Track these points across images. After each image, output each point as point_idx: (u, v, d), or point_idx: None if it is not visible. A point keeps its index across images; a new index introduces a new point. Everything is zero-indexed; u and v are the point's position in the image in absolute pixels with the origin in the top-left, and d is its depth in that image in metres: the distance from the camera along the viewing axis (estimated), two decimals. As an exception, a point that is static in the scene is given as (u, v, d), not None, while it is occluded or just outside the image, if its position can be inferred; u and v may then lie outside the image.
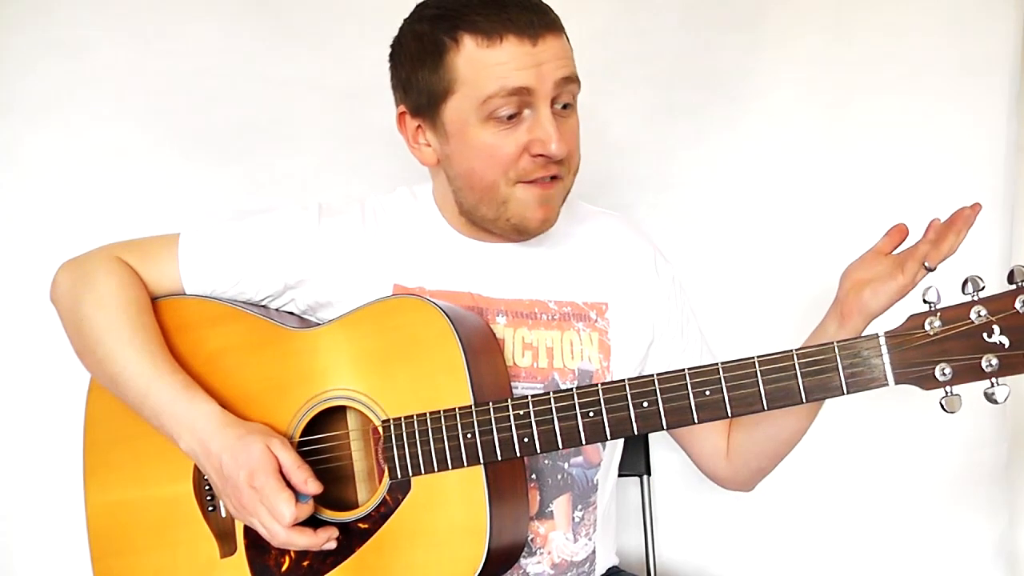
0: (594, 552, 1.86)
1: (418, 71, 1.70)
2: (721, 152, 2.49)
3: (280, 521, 1.58)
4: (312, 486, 1.60)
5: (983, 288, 1.34)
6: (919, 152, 2.44)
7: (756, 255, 2.47)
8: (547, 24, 1.64)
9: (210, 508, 1.76)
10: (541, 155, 1.65)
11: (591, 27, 2.27)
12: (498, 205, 1.72)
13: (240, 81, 2.45)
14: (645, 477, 2.25)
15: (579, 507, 1.82)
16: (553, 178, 1.70)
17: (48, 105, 2.42)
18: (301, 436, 1.72)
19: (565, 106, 1.69)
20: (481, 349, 1.67)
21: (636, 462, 1.94)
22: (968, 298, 1.35)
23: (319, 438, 1.74)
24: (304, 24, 2.46)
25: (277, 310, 1.88)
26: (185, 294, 1.84)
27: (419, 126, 1.76)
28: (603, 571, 1.91)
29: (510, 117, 1.65)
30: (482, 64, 1.63)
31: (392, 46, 1.77)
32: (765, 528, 2.44)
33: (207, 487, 1.75)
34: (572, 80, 1.67)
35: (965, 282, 1.35)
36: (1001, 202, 2.42)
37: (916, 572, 2.44)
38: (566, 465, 1.80)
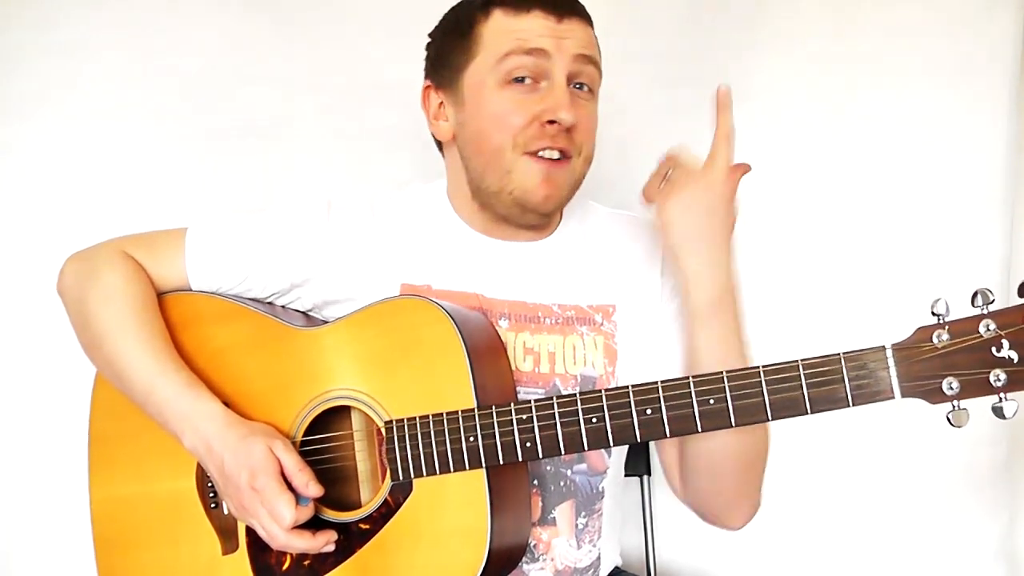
0: (599, 559, 1.81)
1: (448, 43, 1.75)
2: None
3: (280, 524, 1.54)
4: (313, 489, 1.57)
5: (993, 301, 1.29)
6: (919, 151, 2.40)
7: (755, 254, 2.38)
8: (574, 9, 1.68)
9: (213, 505, 1.72)
10: (551, 121, 1.65)
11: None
12: (503, 174, 1.70)
13: (241, 81, 2.42)
14: (645, 477, 2.21)
15: (583, 514, 1.77)
16: (561, 157, 1.68)
17: (48, 104, 2.39)
18: (304, 435, 1.68)
19: (582, 87, 1.69)
20: (486, 352, 1.63)
21: (636, 462, 1.92)
22: (977, 311, 1.29)
23: (323, 438, 1.70)
24: (305, 24, 2.42)
25: (283, 307, 1.84)
26: (191, 290, 1.80)
27: (441, 102, 1.77)
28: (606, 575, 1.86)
29: (523, 80, 1.66)
30: (507, 29, 1.67)
31: (432, 31, 1.80)
32: (765, 528, 2.35)
33: (210, 484, 1.71)
34: (592, 61, 1.69)
35: (975, 295, 1.29)
36: (1001, 202, 2.37)
37: (916, 572, 2.40)
38: (569, 472, 1.75)
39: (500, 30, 1.67)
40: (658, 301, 1.81)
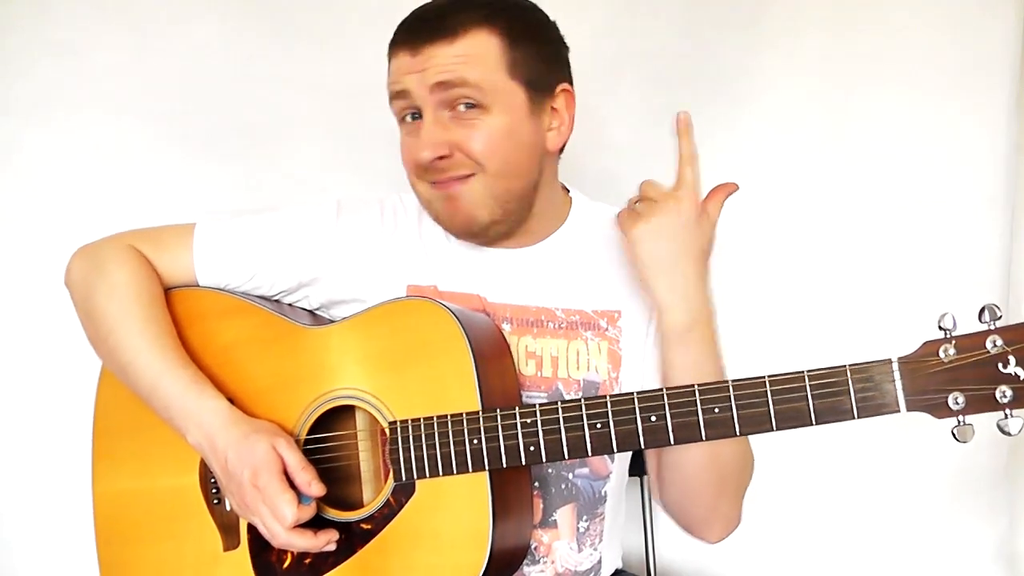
0: (600, 562, 1.80)
1: None
2: (721, 152, 2.33)
3: (281, 522, 1.53)
4: (316, 488, 1.55)
5: (1000, 317, 1.27)
6: (919, 152, 2.38)
7: (755, 255, 2.40)
8: (431, 35, 1.61)
9: (215, 501, 1.71)
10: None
11: (591, 27, 2.22)
12: (426, 204, 1.73)
13: (240, 81, 2.40)
14: (645, 477, 2.18)
15: (584, 517, 1.76)
16: (464, 176, 1.66)
17: (47, 105, 2.37)
18: (309, 433, 1.67)
19: (470, 106, 1.63)
20: (491, 354, 1.62)
21: (636, 462, 1.91)
22: (984, 327, 1.28)
23: (327, 436, 1.69)
24: (305, 24, 2.41)
25: (290, 305, 1.83)
26: (198, 285, 1.79)
27: None
28: (606, 577, 1.85)
29: (417, 116, 1.66)
30: (389, 74, 1.69)
31: None
32: (765, 529, 2.38)
33: (213, 480, 1.70)
34: (453, 84, 1.61)
35: (982, 310, 1.27)
36: (1001, 202, 2.36)
37: (916, 574, 2.40)
38: (571, 475, 1.74)
39: (389, 76, 1.69)
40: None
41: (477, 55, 1.62)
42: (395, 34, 1.67)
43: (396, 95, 1.66)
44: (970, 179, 2.38)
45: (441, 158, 1.62)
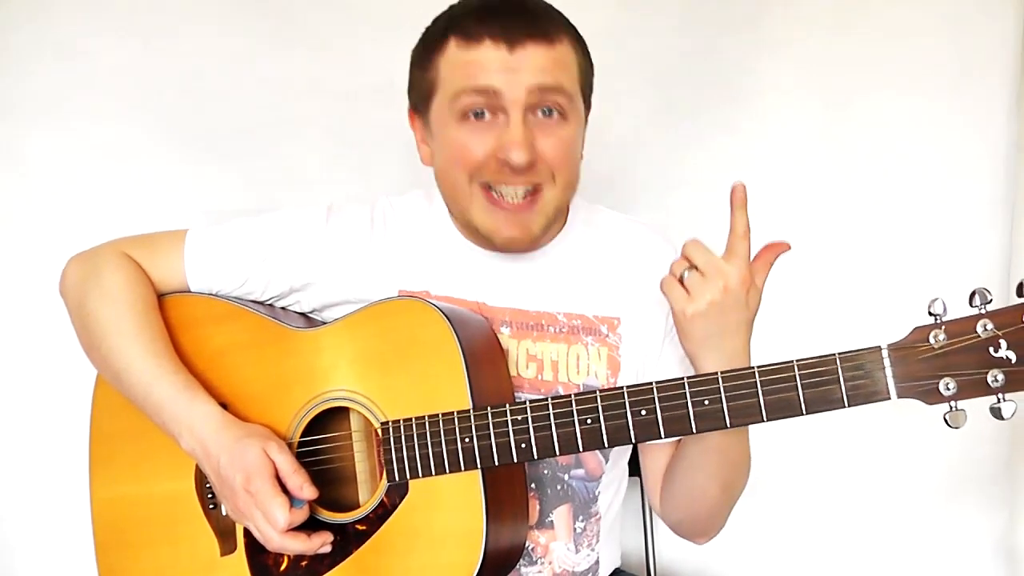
0: (597, 563, 1.78)
1: (416, 74, 1.69)
2: (721, 152, 2.41)
3: (274, 526, 1.52)
4: (308, 492, 1.54)
5: (990, 301, 1.25)
6: (919, 152, 2.36)
7: (754, 253, 2.38)
8: (531, 33, 1.57)
9: (211, 506, 1.70)
10: (505, 162, 1.58)
11: (591, 27, 2.20)
12: (464, 208, 1.66)
13: (240, 81, 2.39)
14: (645, 477, 2.17)
15: (580, 518, 1.74)
16: (532, 191, 1.62)
17: (48, 105, 2.37)
18: (302, 436, 1.66)
19: (550, 112, 1.60)
20: (482, 353, 1.61)
21: (636, 462, 1.90)
22: (975, 311, 1.26)
23: (321, 438, 1.68)
24: (305, 24, 2.40)
25: (283, 309, 1.82)
26: (190, 291, 1.78)
27: (422, 125, 1.72)
28: (605, 576, 1.84)
29: (478, 115, 1.60)
30: (459, 63, 1.59)
31: (412, 51, 1.73)
32: (765, 527, 2.38)
33: (208, 485, 1.69)
34: (552, 89, 1.58)
35: (972, 295, 1.26)
36: (1001, 202, 2.33)
37: (916, 570, 2.38)
38: (566, 476, 1.72)
39: (453, 64, 1.60)
40: (662, 322, 1.76)
41: (568, 63, 1.62)
42: (472, 24, 1.60)
43: (477, 90, 1.58)
44: (970, 178, 2.35)
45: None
